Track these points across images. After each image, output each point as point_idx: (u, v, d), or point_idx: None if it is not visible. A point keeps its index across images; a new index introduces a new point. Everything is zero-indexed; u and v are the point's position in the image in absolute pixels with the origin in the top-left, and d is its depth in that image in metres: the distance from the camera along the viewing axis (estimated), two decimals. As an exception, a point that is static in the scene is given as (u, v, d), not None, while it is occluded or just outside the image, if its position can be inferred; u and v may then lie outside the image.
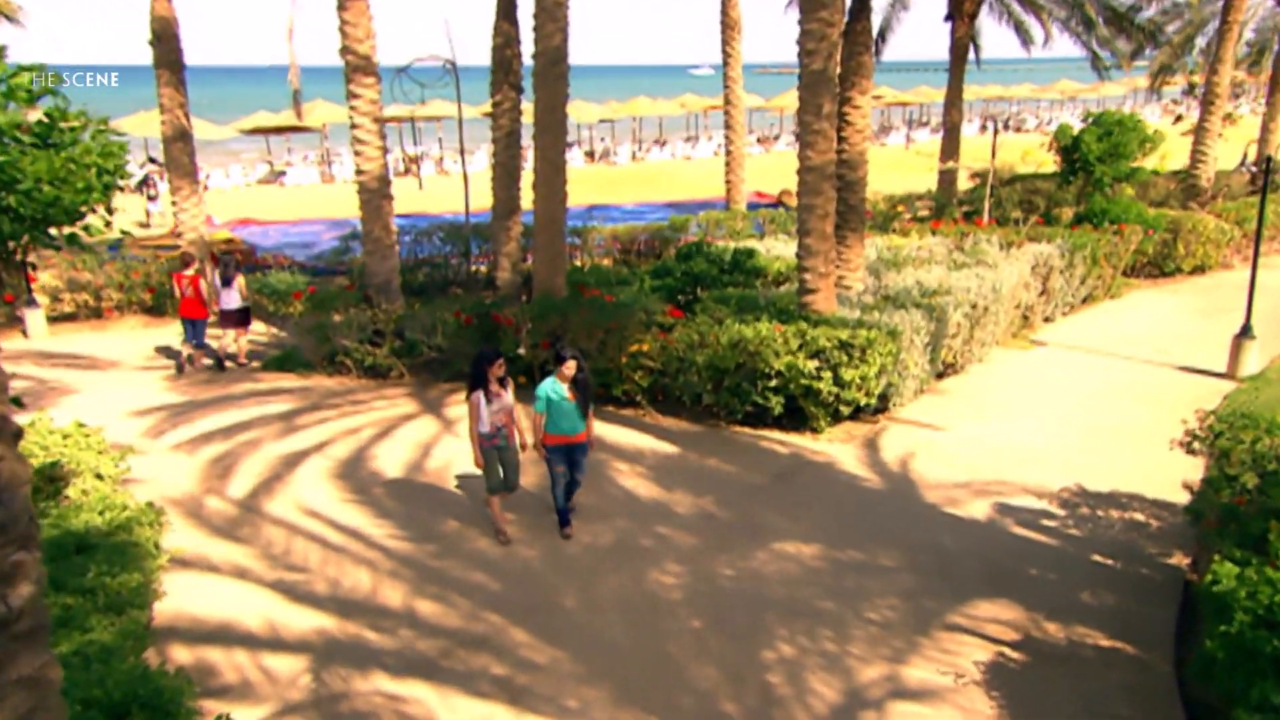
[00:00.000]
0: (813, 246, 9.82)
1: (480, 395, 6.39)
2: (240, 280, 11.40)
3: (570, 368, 6.55)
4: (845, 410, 9.35)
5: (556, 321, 10.23)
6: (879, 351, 9.05)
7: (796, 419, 9.50)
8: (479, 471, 6.90)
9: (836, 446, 9.14)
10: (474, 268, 14.55)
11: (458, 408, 10.25)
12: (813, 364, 9.03)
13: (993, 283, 11.40)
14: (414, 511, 7.66)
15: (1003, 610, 6.14)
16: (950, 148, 18.88)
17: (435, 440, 9.27)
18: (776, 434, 9.39)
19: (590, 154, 39.75)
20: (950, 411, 10.02)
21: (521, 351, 10.40)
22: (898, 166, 29.92)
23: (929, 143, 39.54)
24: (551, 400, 6.68)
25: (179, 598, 6.16)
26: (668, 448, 9.03)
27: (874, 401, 9.46)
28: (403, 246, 14.08)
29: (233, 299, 11.29)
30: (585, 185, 27.25)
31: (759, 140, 43.21)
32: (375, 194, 11.40)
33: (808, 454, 8.93)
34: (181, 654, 5.57)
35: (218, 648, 5.68)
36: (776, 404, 9.21)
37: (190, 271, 11.64)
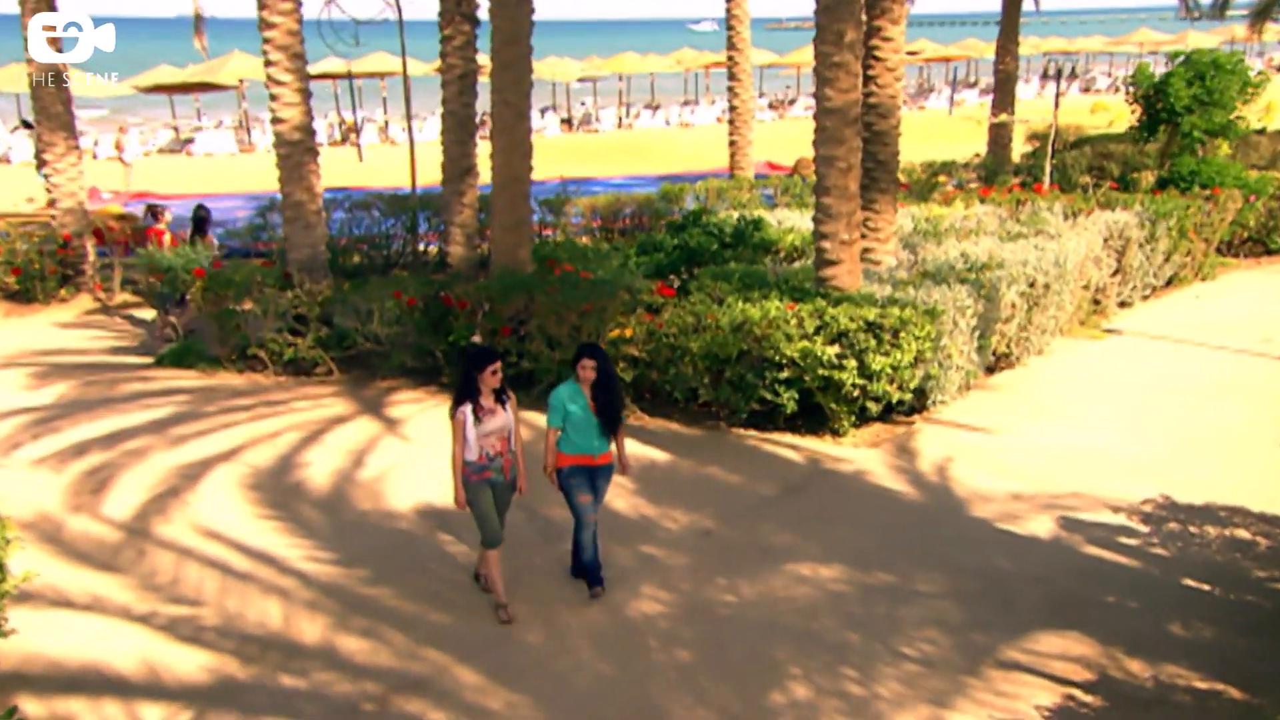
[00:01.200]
0: (833, 208, 9.81)
1: (468, 411, 6.19)
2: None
3: (590, 368, 6.47)
4: (873, 408, 9.34)
5: (520, 303, 10.18)
6: (914, 335, 9.03)
7: (814, 419, 9.52)
8: (449, 503, 6.64)
9: (863, 453, 9.17)
10: (422, 246, 14.54)
11: (402, 408, 10.27)
12: (833, 350, 9.01)
13: (1055, 255, 11.32)
14: (342, 530, 7.59)
15: (1072, 644, 6.13)
16: (1003, 101, 18.81)
17: (371, 445, 9.24)
18: (789, 438, 9.43)
19: (568, 121, 39.98)
20: (1004, 411, 10.02)
21: (477, 339, 10.32)
22: (940, 133, 29.72)
23: (977, 107, 39.63)
24: (569, 412, 6.57)
25: (31, 637, 6.04)
26: (657, 454, 9.00)
27: (908, 398, 9.47)
28: (334, 223, 13.92)
29: None
30: (561, 156, 27.30)
31: (771, 105, 43.51)
32: (296, 148, 11.22)
33: (827, 461, 8.99)
34: (32, 706, 5.46)
35: (80, 697, 5.57)
36: (789, 400, 9.24)
37: (163, 224, 11.95)
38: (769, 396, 9.30)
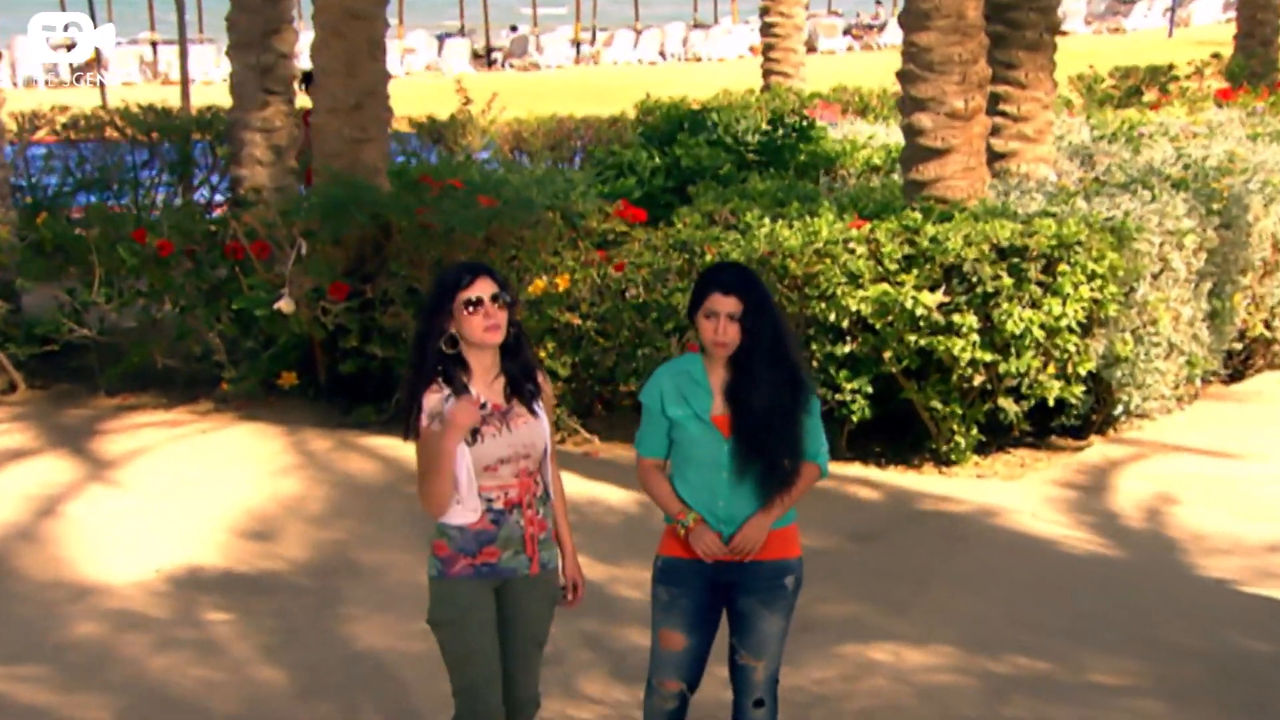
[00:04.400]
0: (934, 52, 10.11)
1: (442, 400, 5.45)
2: None
3: (722, 314, 5.58)
4: (1011, 411, 9.43)
5: (364, 235, 10.36)
6: (1086, 271, 9.13)
7: (900, 438, 9.79)
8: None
9: (991, 487, 9.46)
10: (198, 200, 15.28)
11: (133, 439, 10.45)
12: (935, 298, 9.07)
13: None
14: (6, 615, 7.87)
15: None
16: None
17: (68, 494, 9.39)
18: (855, 469, 9.76)
19: (484, 54, 40.85)
20: (1258, 426, 10.36)
21: (282, 306, 10.27)
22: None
23: (1218, 26, 40.55)
24: (677, 421, 5.83)
25: None
26: (618, 495, 9.18)
27: (1078, 397, 9.55)
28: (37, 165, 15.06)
29: None
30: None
31: (850, 30, 44.54)
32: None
33: (923, 500, 9.34)
34: None
35: None
36: (856, 399, 9.31)
37: None
38: (821, 392, 9.08)
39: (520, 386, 5.37)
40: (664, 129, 13.41)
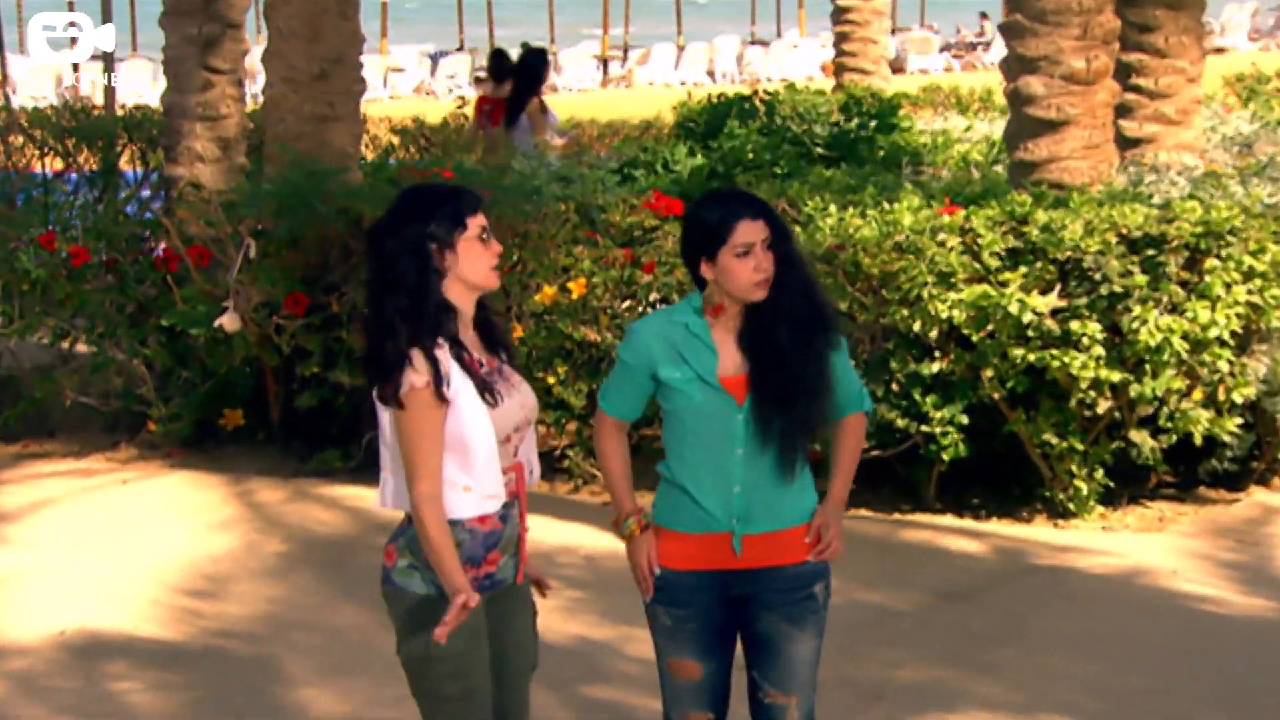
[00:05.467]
0: (1048, 8, 10.30)
1: (439, 361, 5.40)
2: None
3: (762, 233, 5.54)
4: (1145, 448, 9.38)
5: (329, 233, 10.48)
6: (1240, 266, 9.05)
7: (1008, 477, 9.85)
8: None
9: (1122, 540, 9.51)
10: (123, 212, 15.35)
11: (23, 489, 10.62)
12: (1048, 301, 9.05)
13: None
14: None
15: None
16: None
17: None
18: (947, 520, 9.87)
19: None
20: None
21: (225, 323, 10.30)
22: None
23: None
24: (668, 383, 5.85)
25: None
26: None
27: (1231, 433, 9.42)
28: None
29: None
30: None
31: (947, 48, 44.66)
32: None
33: (1035, 552, 9.40)
34: None
35: None
36: (947, 433, 9.29)
37: None
38: (901, 424, 9.38)
39: (491, 336, 5.47)
40: (707, 120, 13.58)
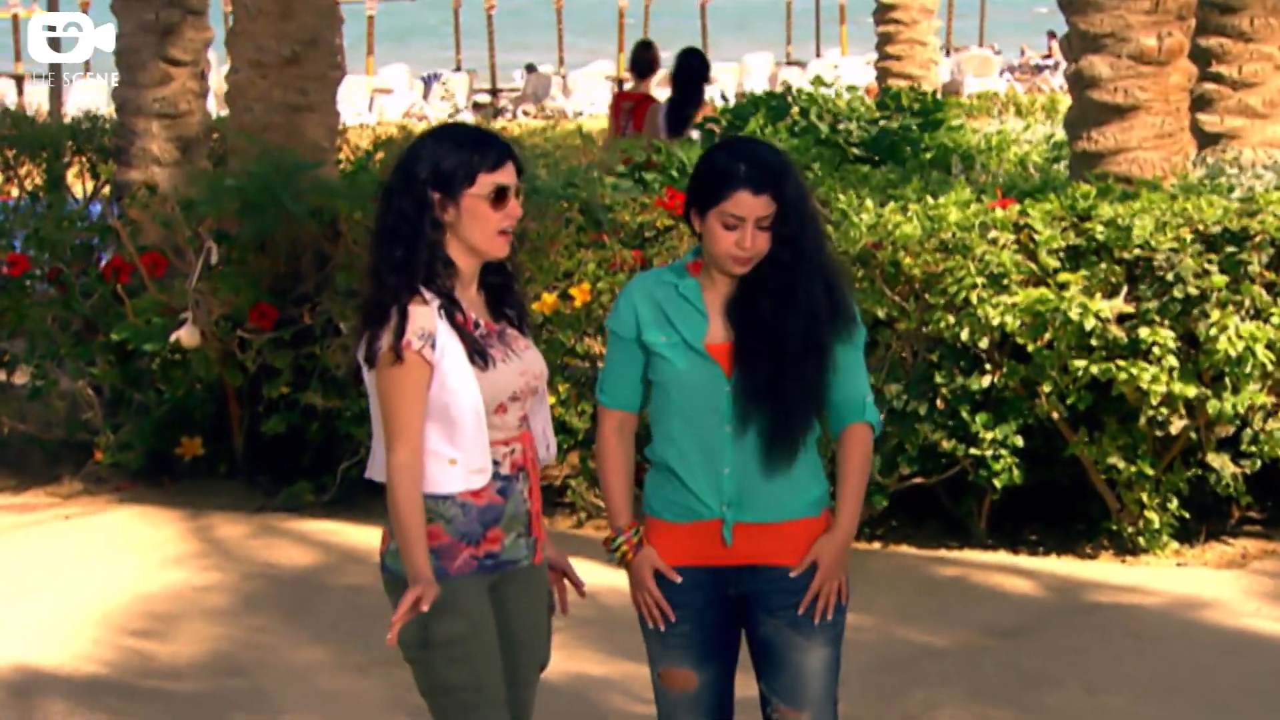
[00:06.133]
0: None
1: (433, 314, 5.45)
2: None
3: (758, 209, 5.51)
4: (1226, 472, 9.34)
5: (301, 235, 10.60)
6: None
7: (1069, 509, 9.90)
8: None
9: (1197, 576, 9.50)
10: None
11: None
12: (1114, 305, 9.08)
13: None
14: None
15: None
16: None
17: None
18: (1000, 557, 9.85)
19: (490, 100, 41.77)
20: None
21: (182, 336, 10.35)
22: None
23: None
24: (657, 356, 5.81)
25: None
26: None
27: None
28: None
29: None
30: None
31: (1009, 70, 44.79)
32: None
33: (1097, 591, 9.41)
34: None
35: None
36: (1001, 459, 9.34)
37: None
38: (946, 447, 9.40)
39: (502, 300, 5.48)
40: (729, 121, 13.56)
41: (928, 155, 12.68)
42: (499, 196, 5.26)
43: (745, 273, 5.47)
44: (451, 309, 5.30)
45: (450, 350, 5.26)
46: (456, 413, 5.27)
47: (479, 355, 5.31)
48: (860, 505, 5.66)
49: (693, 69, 17.11)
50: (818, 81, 14.45)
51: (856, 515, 5.63)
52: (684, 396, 5.55)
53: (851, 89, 16.50)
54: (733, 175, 5.41)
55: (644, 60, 17.90)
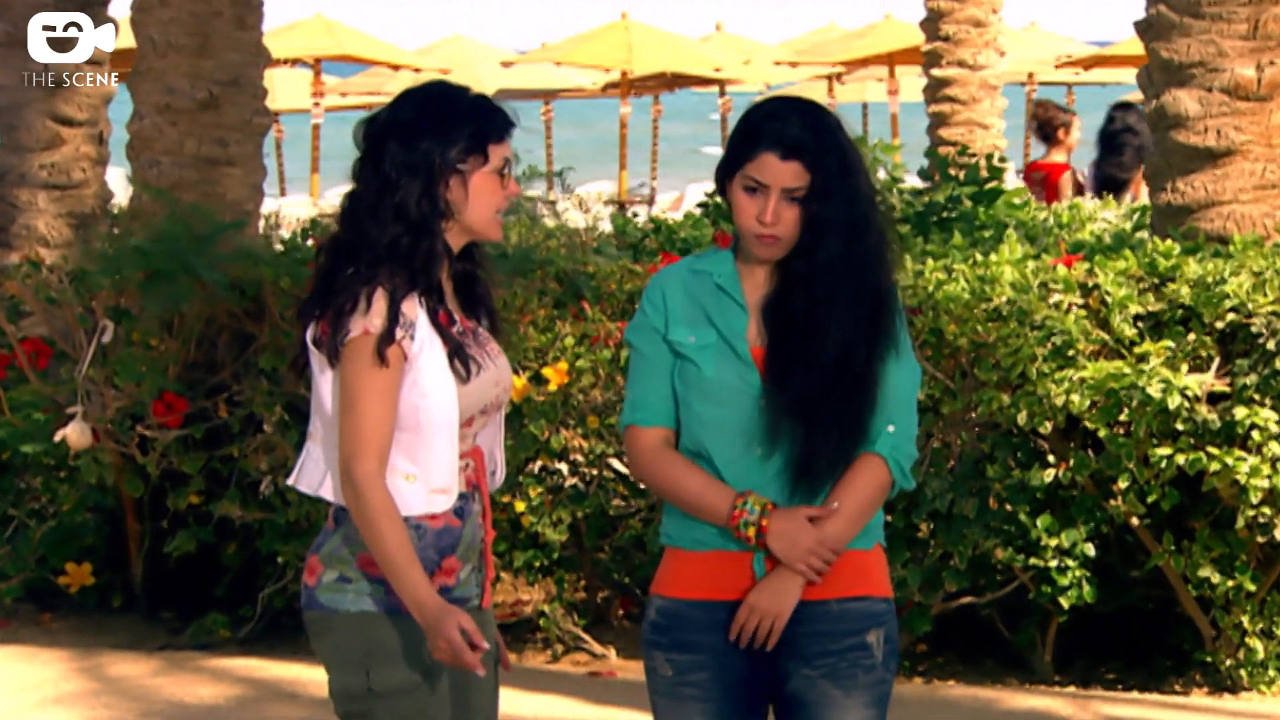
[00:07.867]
0: None
1: (419, 320, 5.64)
2: None
3: (785, 177, 5.51)
4: None
5: (216, 311, 10.83)
6: None
7: (1151, 638, 10.05)
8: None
9: None
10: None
11: None
12: (1203, 381, 9.09)
13: None
14: None
15: None
16: None
17: None
18: (1070, 698, 9.88)
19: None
20: None
21: (70, 434, 10.50)
22: None
23: None
24: (692, 355, 5.78)
25: None
26: None
27: None
28: None
29: None
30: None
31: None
32: None
33: None
34: None
35: None
36: (1068, 571, 9.43)
37: None
38: (1001, 556, 9.47)
39: (472, 294, 5.65)
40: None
41: (985, 234, 12.77)
42: (506, 171, 5.46)
43: (773, 258, 5.36)
44: (435, 305, 5.42)
45: (429, 347, 5.35)
46: (425, 419, 5.39)
47: (460, 360, 5.42)
48: (856, 520, 5.52)
49: (1130, 130, 17.82)
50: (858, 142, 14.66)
51: (850, 522, 5.51)
52: (709, 407, 5.52)
53: (888, 149, 16.69)
54: (764, 134, 5.30)
55: (1050, 123, 19.20)
